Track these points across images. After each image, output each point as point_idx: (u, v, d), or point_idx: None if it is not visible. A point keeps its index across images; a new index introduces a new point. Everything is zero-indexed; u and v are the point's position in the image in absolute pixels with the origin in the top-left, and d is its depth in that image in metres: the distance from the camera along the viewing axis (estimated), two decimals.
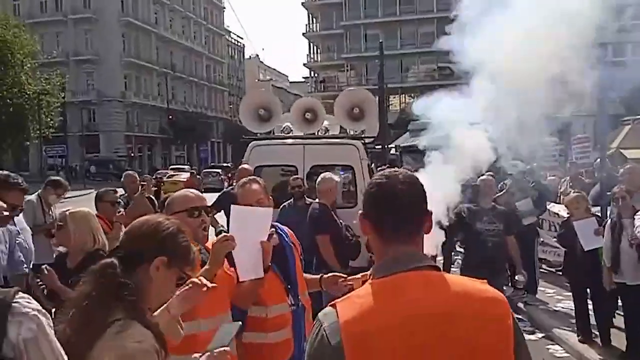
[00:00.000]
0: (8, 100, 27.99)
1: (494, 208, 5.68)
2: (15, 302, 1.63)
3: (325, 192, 5.32)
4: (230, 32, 75.06)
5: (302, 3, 58.81)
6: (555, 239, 7.19)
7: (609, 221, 5.39)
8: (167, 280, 1.77)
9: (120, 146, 49.26)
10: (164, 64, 55.17)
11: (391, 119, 33.03)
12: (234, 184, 8.67)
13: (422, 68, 52.11)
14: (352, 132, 7.35)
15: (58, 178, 6.34)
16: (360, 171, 6.68)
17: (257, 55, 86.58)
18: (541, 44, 3.74)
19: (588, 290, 5.78)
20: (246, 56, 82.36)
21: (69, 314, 1.67)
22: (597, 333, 5.69)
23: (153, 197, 7.25)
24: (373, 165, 8.87)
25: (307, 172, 6.57)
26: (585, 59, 3.74)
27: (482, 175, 5.65)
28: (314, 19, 59.44)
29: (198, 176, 23.36)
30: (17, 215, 4.00)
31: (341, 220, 5.38)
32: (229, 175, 24.64)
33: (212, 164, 49.18)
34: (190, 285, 2.01)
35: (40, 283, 3.37)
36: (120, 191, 6.73)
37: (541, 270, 8.42)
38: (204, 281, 2.05)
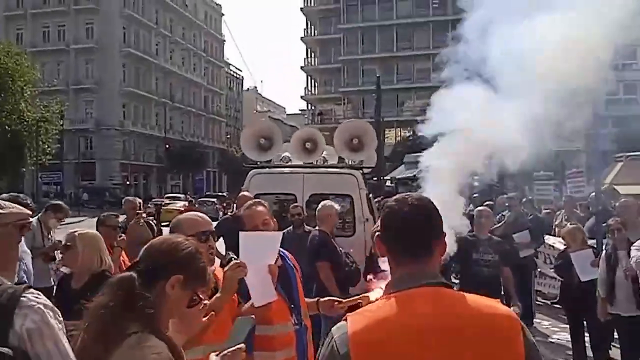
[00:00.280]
0: (7, 127, 28.08)
1: (490, 239, 5.73)
2: (24, 297, 1.74)
3: (326, 218, 5.37)
4: (230, 64, 76.21)
5: (301, 38, 59.97)
6: (552, 269, 7.24)
7: (604, 253, 5.45)
8: (179, 300, 1.78)
9: (116, 174, 49.18)
10: (163, 94, 55.70)
11: (387, 151, 33.37)
12: (229, 213, 8.77)
13: (417, 102, 52.69)
14: (351, 162, 7.46)
15: (59, 202, 6.37)
16: (359, 200, 6.76)
17: (256, 87, 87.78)
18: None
19: (584, 322, 5.81)
20: (244, 88, 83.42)
21: (86, 323, 1.69)
22: None
23: (152, 223, 7.30)
24: (371, 195, 8.95)
25: (307, 201, 6.65)
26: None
27: (480, 206, 5.73)
28: (312, 54, 60.50)
29: (196, 205, 23.38)
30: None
31: (341, 248, 5.42)
32: (224, 204, 24.67)
33: (208, 193, 49.16)
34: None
35: None
36: (123, 217, 6.79)
37: (537, 302, 8.44)
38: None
